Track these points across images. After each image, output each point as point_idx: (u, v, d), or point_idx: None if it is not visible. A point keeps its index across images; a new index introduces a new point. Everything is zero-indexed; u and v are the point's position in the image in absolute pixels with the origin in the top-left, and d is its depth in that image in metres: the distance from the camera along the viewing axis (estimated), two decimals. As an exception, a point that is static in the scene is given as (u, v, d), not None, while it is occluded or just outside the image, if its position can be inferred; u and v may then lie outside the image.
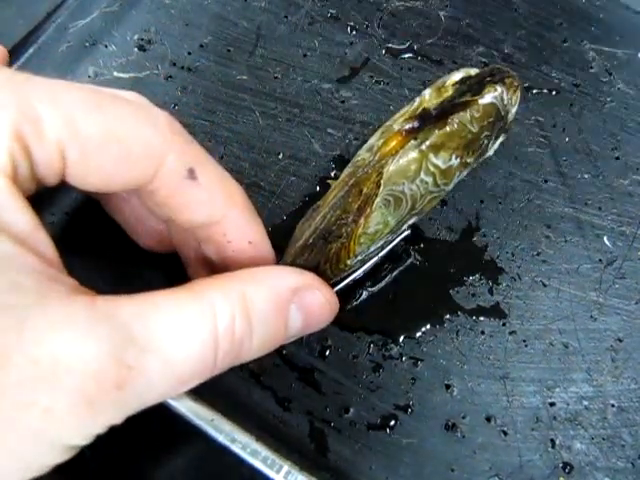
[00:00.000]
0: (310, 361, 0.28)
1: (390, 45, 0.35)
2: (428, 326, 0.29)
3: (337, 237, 0.26)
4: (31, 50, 0.33)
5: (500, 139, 0.30)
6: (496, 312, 0.30)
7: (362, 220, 0.26)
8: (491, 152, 0.30)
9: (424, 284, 0.30)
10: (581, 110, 0.35)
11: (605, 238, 0.32)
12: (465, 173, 0.29)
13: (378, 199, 0.26)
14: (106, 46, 0.34)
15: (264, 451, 0.24)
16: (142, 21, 0.35)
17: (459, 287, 0.30)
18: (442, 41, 0.36)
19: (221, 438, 0.24)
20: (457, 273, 0.30)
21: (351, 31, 0.36)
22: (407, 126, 0.27)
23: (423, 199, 0.27)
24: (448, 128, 0.26)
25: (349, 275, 0.29)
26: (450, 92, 0.28)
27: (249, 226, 0.25)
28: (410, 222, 0.29)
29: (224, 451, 0.24)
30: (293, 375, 0.28)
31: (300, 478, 0.24)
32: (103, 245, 0.29)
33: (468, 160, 0.28)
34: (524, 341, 0.29)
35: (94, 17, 0.34)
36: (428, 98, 0.28)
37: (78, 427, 0.19)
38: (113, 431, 0.20)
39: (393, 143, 0.27)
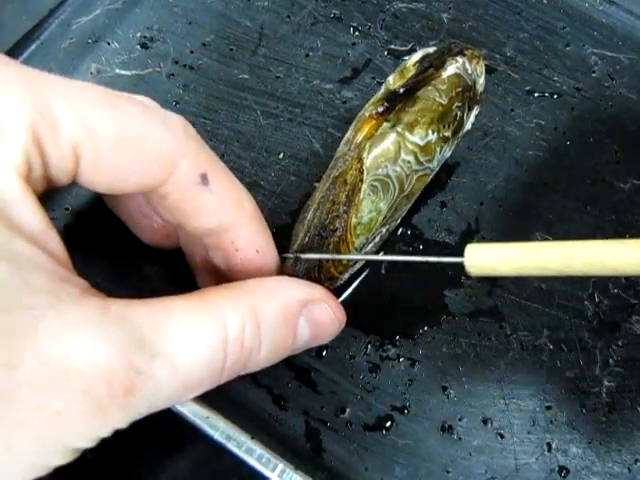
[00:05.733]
0: (307, 361, 0.28)
1: (392, 46, 0.35)
2: (426, 328, 0.29)
3: (332, 231, 0.26)
4: (34, 46, 0.33)
5: (474, 111, 0.30)
6: (494, 315, 0.30)
7: (353, 209, 0.26)
8: (469, 126, 0.30)
9: (422, 285, 0.30)
10: (582, 114, 0.35)
11: (604, 242, 0.32)
12: (448, 149, 0.29)
13: (365, 186, 0.26)
14: (109, 43, 0.34)
15: (259, 449, 0.24)
16: (145, 19, 0.35)
17: (457, 289, 0.30)
18: (444, 43, 0.36)
19: (216, 436, 0.24)
20: (456, 275, 0.30)
21: (354, 32, 0.36)
22: (377, 109, 0.27)
23: (410, 179, 0.28)
24: (418, 104, 0.27)
25: (352, 280, 0.30)
26: (413, 71, 0.28)
27: (257, 235, 0.25)
28: (406, 208, 0.29)
29: (221, 450, 0.24)
30: (290, 374, 0.28)
31: (295, 477, 0.24)
32: (102, 241, 0.29)
33: (446, 134, 0.28)
34: (521, 344, 0.29)
35: (97, 14, 0.34)
36: (392, 82, 0.29)
37: (86, 430, 0.19)
38: (114, 432, 0.20)
39: (367, 128, 0.27)
